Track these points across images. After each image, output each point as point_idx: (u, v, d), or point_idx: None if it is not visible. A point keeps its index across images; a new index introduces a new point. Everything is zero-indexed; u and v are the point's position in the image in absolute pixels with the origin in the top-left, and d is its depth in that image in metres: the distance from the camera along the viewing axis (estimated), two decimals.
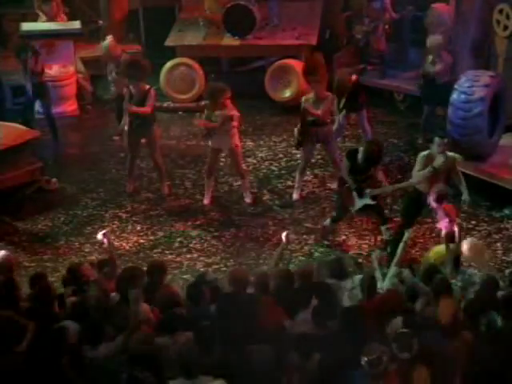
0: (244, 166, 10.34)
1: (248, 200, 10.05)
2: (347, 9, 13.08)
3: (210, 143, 9.88)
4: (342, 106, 10.26)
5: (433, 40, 10.75)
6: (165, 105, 12.67)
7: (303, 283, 6.78)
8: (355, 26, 12.26)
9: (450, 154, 8.51)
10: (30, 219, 9.67)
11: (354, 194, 8.73)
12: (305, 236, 9.36)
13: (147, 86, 10.01)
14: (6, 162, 9.98)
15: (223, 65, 13.62)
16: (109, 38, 11.29)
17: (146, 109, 9.89)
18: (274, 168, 10.94)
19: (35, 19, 12.73)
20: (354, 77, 10.40)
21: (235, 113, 9.64)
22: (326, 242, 9.18)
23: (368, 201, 8.69)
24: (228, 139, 9.72)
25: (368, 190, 8.65)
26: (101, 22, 13.35)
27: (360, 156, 8.56)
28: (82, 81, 12.62)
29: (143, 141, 10.27)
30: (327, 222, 9.23)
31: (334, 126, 10.25)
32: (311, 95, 9.71)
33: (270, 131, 11.95)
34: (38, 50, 11.21)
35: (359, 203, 8.75)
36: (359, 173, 8.66)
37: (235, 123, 9.68)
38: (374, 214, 9.09)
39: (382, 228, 8.93)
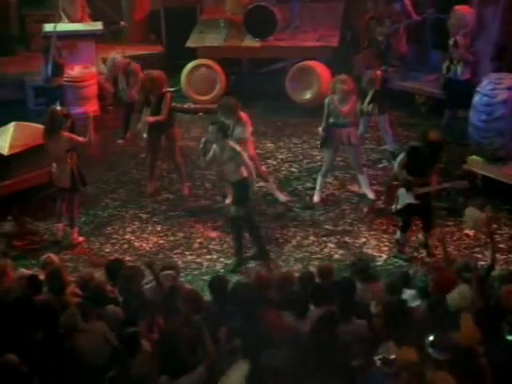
0: (264, 168, 10.35)
1: (283, 198, 10.00)
2: (369, 11, 13.03)
3: None
4: (368, 101, 10.15)
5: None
6: (185, 106, 12.72)
7: (324, 281, 6.78)
8: (376, 28, 12.21)
9: None
10: (50, 219, 9.70)
11: (401, 192, 8.49)
12: (324, 238, 9.33)
13: (163, 90, 10.08)
14: (28, 163, 10.05)
15: (244, 66, 13.62)
16: (115, 55, 11.41)
17: (161, 117, 9.99)
18: (294, 170, 10.93)
19: (58, 20, 12.80)
20: (378, 72, 10.35)
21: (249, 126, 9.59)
22: (403, 256, 8.85)
23: (412, 200, 8.42)
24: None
25: (415, 189, 8.35)
26: (123, 22, 13.40)
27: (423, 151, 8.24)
28: (103, 81, 12.68)
29: (163, 142, 10.30)
30: (398, 235, 8.94)
31: (359, 130, 10.22)
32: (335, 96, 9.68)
33: (290, 133, 11.94)
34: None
35: (403, 201, 8.49)
36: (417, 173, 8.40)
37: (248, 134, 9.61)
38: (420, 218, 8.81)
39: (424, 235, 8.74)
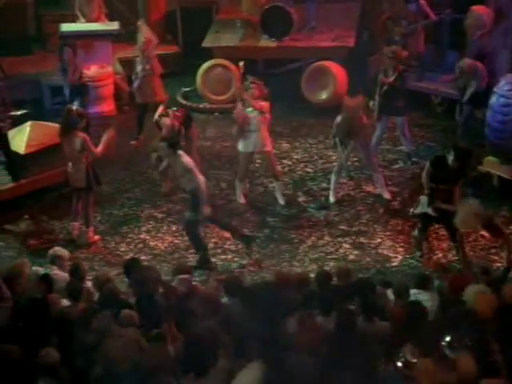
0: (279, 168, 10.35)
1: (282, 202, 10.04)
2: (385, 11, 13.00)
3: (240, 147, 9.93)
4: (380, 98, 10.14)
5: None
6: (201, 106, 12.73)
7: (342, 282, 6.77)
8: (393, 29, 12.17)
9: None
10: (66, 218, 9.73)
11: (422, 198, 8.47)
12: (339, 238, 9.31)
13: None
14: (44, 161, 10.11)
15: (260, 66, 13.62)
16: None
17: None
18: (309, 170, 10.92)
19: (74, 20, 12.85)
20: (405, 53, 10.30)
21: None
22: (418, 253, 8.83)
23: (429, 211, 8.40)
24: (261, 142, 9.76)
25: (437, 202, 8.32)
26: (139, 22, 13.42)
27: (450, 163, 8.24)
28: (119, 81, 12.72)
29: (181, 141, 10.31)
30: (415, 232, 8.93)
31: (376, 133, 10.19)
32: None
33: (305, 133, 11.93)
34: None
35: (421, 208, 8.49)
36: (442, 182, 8.33)
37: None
38: (445, 228, 8.75)
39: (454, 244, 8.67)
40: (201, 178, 8.72)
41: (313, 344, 5.75)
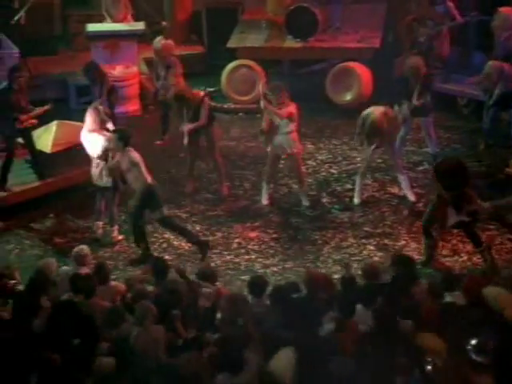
0: (304, 169, 10.34)
1: (306, 202, 10.02)
2: (411, 12, 12.93)
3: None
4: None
5: None
6: (225, 106, 12.75)
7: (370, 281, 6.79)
8: (419, 30, 12.12)
9: None
10: (91, 217, 9.76)
11: (451, 209, 8.32)
12: (363, 240, 9.28)
13: (201, 93, 10.15)
14: (70, 160, 10.18)
15: (284, 67, 13.61)
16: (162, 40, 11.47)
17: (200, 123, 10.04)
18: (333, 171, 10.89)
19: (101, 20, 12.93)
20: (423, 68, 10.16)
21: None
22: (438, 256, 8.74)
23: (463, 217, 8.27)
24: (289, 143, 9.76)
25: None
26: (164, 23, 13.49)
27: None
28: (144, 81, 12.77)
29: (203, 141, 10.33)
30: (427, 240, 8.76)
31: (401, 133, 10.14)
32: None
33: (330, 134, 11.90)
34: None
35: (454, 219, 8.36)
36: (449, 188, 8.22)
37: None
38: (467, 234, 8.68)
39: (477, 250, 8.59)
40: (148, 177, 8.80)
41: (350, 344, 5.76)
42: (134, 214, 8.91)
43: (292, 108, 9.70)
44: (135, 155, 8.79)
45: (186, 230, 9.24)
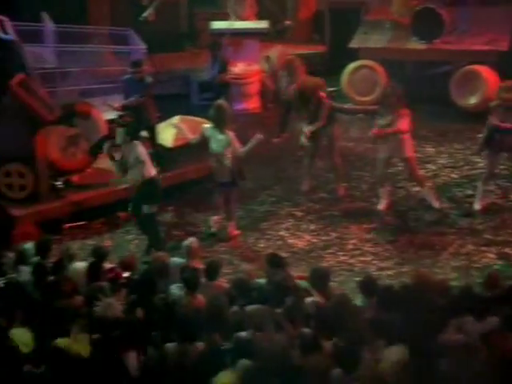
0: (422, 172, 10.13)
1: (437, 205, 9.76)
2: None
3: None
4: None
5: None
6: (345, 106, 12.67)
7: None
8: None
9: None
10: (208, 212, 9.91)
11: None
12: (483, 247, 9.00)
13: (321, 94, 10.09)
14: (190, 155, 10.35)
15: (407, 69, 13.40)
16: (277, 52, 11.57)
17: (320, 124, 10.01)
18: (454, 176, 10.63)
19: (226, 18, 13.11)
20: None
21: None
22: None
23: None
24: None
25: None
26: (288, 22, 13.54)
27: None
28: (265, 79, 12.86)
29: (323, 141, 10.30)
30: None
31: None
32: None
33: (451, 138, 11.64)
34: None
35: None
36: None
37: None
38: None
39: None
40: (152, 171, 8.83)
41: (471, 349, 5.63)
42: (150, 215, 8.95)
43: (406, 112, 9.49)
44: (142, 150, 8.82)
45: (159, 237, 9.16)
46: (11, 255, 7.79)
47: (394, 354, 5.61)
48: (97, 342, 6.01)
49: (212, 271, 7.18)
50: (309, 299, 6.68)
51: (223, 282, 7.22)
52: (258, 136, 9.28)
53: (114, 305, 6.22)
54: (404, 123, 9.41)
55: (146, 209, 8.90)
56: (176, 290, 6.86)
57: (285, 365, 5.63)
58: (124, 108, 10.07)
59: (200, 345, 6.01)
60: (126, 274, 7.09)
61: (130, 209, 9.13)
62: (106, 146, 9.71)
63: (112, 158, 8.91)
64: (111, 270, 7.12)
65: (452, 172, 10.72)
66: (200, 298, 6.77)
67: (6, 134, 9.64)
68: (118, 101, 10.50)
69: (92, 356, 5.93)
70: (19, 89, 9.56)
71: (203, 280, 7.10)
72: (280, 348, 5.73)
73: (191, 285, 6.83)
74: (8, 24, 10.43)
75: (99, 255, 7.41)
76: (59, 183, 9.89)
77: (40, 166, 9.79)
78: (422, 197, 9.96)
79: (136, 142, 8.85)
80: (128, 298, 6.70)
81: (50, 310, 6.47)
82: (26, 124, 9.66)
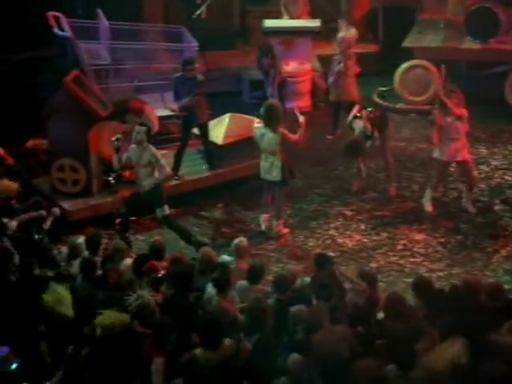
0: (475, 174, 9.99)
1: (472, 209, 9.68)
2: None
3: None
4: None
5: None
6: (397, 106, 12.56)
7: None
8: None
9: None
10: (258, 209, 9.90)
11: None
12: None
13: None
14: (240, 153, 10.37)
15: (462, 69, 13.20)
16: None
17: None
18: (508, 178, 10.47)
19: (278, 16, 13.10)
20: None
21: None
22: None
23: None
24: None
25: None
26: (340, 20, 13.44)
27: None
28: (316, 78, 12.81)
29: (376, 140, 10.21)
30: None
31: None
32: None
33: (506, 139, 11.47)
34: (275, 55, 11.30)
35: None
36: None
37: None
38: None
39: None
40: (168, 170, 9.05)
41: None
42: (168, 216, 8.98)
43: (464, 111, 9.37)
44: (157, 152, 8.87)
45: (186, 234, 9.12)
46: (65, 249, 7.92)
47: (449, 352, 5.55)
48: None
49: (255, 275, 7.10)
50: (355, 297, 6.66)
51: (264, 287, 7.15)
52: (303, 118, 9.43)
53: (145, 297, 6.24)
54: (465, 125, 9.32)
55: (159, 212, 8.98)
56: (211, 288, 6.82)
57: (342, 361, 5.61)
58: (181, 109, 10.16)
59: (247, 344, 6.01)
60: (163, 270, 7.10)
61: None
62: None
63: (117, 150, 8.96)
64: (151, 264, 7.16)
65: (505, 174, 10.56)
66: (231, 299, 6.72)
67: (60, 129, 9.81)
68: (169, 98, 10.57)
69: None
70: (73, 85, 9.71)
71: (245, 283, 7.08)
72: (342, 342, 5.71)
73: (221, 285, 6.74)
74: (64, 21, 10.60)
75: (156, 250, 7.46)
76: (111, 179, 9.99)
77: (92, 162, 9.93)
78: (474, 198, 9.83)
79: (148, 144, 8.86)
80: (166, 293, 6.74)
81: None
82: (80, 120, 9.80)
